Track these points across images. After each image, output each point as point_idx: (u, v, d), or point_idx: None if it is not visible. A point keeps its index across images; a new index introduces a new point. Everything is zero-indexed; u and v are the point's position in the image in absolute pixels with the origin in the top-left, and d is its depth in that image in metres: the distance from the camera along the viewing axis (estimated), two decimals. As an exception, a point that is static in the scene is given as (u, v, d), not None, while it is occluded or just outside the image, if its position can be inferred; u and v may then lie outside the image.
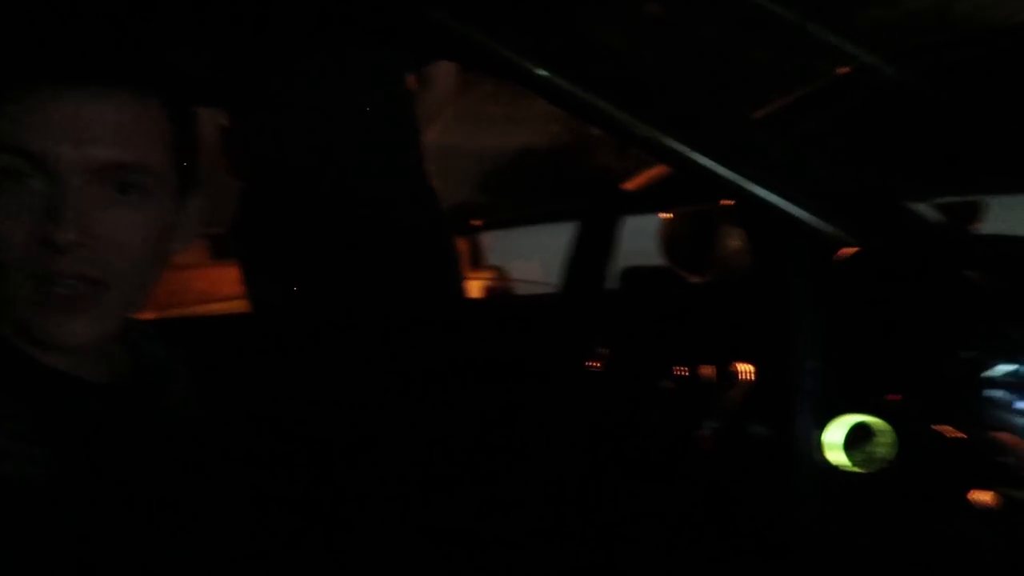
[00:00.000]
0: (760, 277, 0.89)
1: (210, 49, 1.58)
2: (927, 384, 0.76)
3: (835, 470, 0.70)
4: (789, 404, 0.68)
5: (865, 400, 0.72)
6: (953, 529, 0.69)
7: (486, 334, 1.24)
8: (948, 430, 0.72)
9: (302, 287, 1.66)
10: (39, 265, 0.70)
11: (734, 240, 1.07)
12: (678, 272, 1.22)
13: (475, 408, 1.13)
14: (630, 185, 2.49)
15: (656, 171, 2.37)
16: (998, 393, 0.74)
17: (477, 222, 3.02)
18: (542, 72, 0.83)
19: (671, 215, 1.24)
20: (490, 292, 2.87)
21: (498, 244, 2.96)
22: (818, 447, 0.70)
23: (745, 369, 0.85)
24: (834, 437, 0.70)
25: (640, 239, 1.32)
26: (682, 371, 0.93)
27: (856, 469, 0.70)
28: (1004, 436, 0.70)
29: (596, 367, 0.99)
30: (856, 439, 0.70)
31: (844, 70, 2.67)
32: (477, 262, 2.96)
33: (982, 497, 0.68)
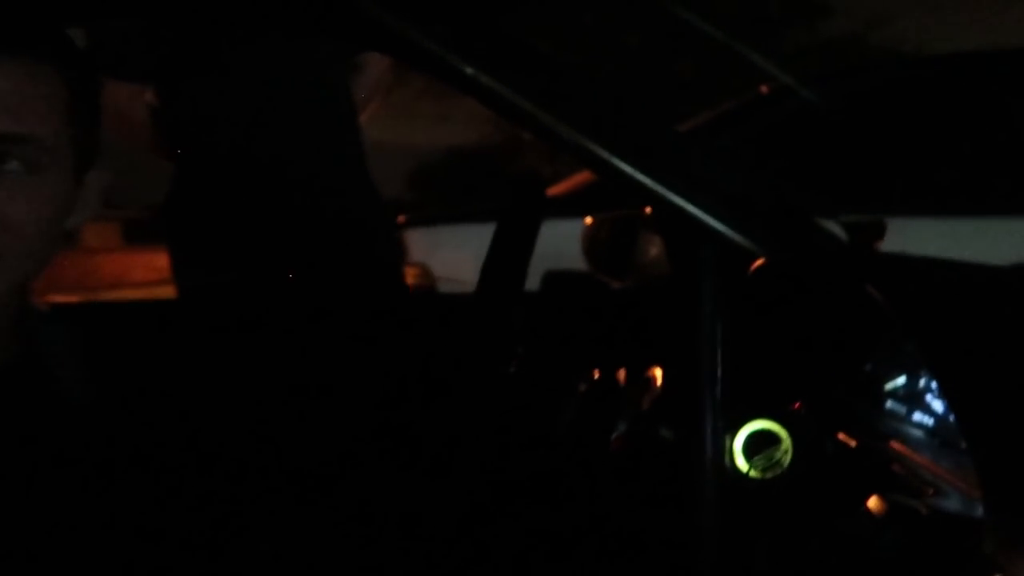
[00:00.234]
0: (675, 284, 0.91)
1: (140, 21, 1.52)
2: (827, 394, 0.79)
3: (740, 474, 0.72)
4: (697, 409, 0.69)
5: (768, 407, 0.74)
6: (846, 533, 0.72)
7: (406, 330, 1.23)
8: (845, 439, 0.75)
9: (232, 274, 1.60)
10: None
11: (654, 247, 1.09)
12: (599, 277, 1.23)
13: (389, 403, 1.12)
14: (557, 189, 2.52)
15: (584, 176, 2.40)
16: (894, 404, 0.78)
17: (401, 218, 3.01)
18: (469, 70, 0.83)
19: (593, 220, 1.26)
20: (412, 289, 2.86)
21: (422, 241, 2.95)
22: (726, 452, 0.71)
23: (657, 373, 0.86)
24: (738, 443, 0.72)
25: (564, 243, 1.34)
26: (597, 374, 0.94)
27: (756, 474, 0.72)
28: (898, 446, 0.74)
29: (511, 367, 0.99)
30: (758, 445, 0.73)
31: (764, 89, 2.76)
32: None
33: (875, 504, 0.71)
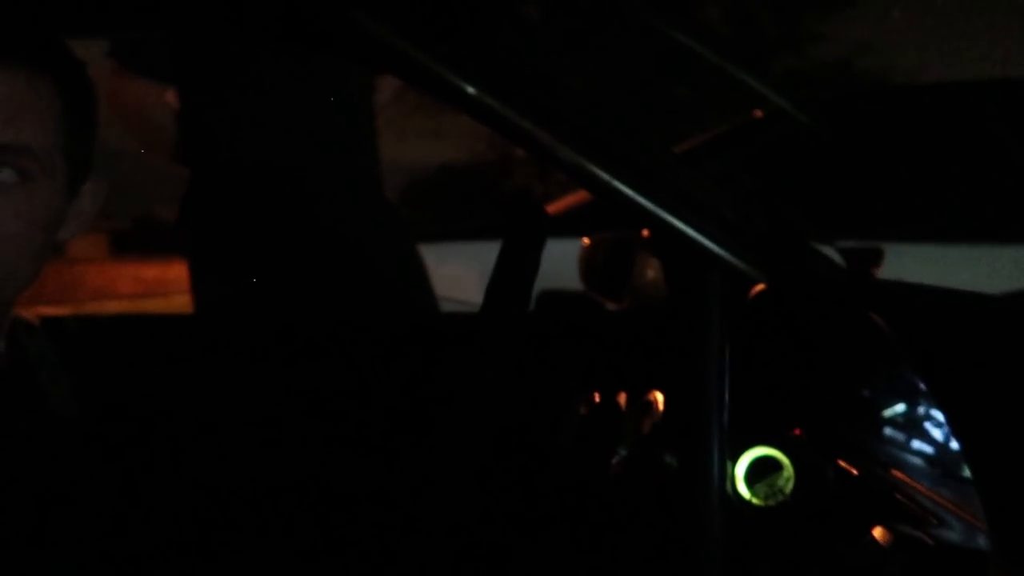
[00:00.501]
0: (674, 307, 0.90)
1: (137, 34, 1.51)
2: (827, 421, 0.78)
3: (741, 501, 0.71)
4: (702, 435, 0.69)
5: (769, 434, 0.73)
6: (849, 563, 0.71)
7: (405, 351, 1.22)
8: (846, 466, 0.74)
9: (251, 287, 1.57)
10: None
11: (651, 269, 1.09)
12: (595, 297, 1.23)
13: (388, 422, 1.11)
14: (552, 208, 2.52)
15: (578, 196, 2.40)
16: (893, 432, 0.77)
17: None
18: (470, 89, 0.83)
19: (590, 241, 1.26)
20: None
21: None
22: (728, 479, 0.71)
23: (658, 397, 0.86)
24: (741, 469, 0.71)
25: (559, 263, 1.33)
26: (596, 397, 0.93)
27: (757, 501, 0.71)
28: (899, 474, 0.73)
29: (510, 388, 0.98)
30: (759, 472, 0.72)
31: (758, 113, 2.78)
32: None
33: (878, 533, 0.70)
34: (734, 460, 0.71)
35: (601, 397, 0.92)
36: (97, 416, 0.82)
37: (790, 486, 0.71)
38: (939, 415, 0.72)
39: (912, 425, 0.76)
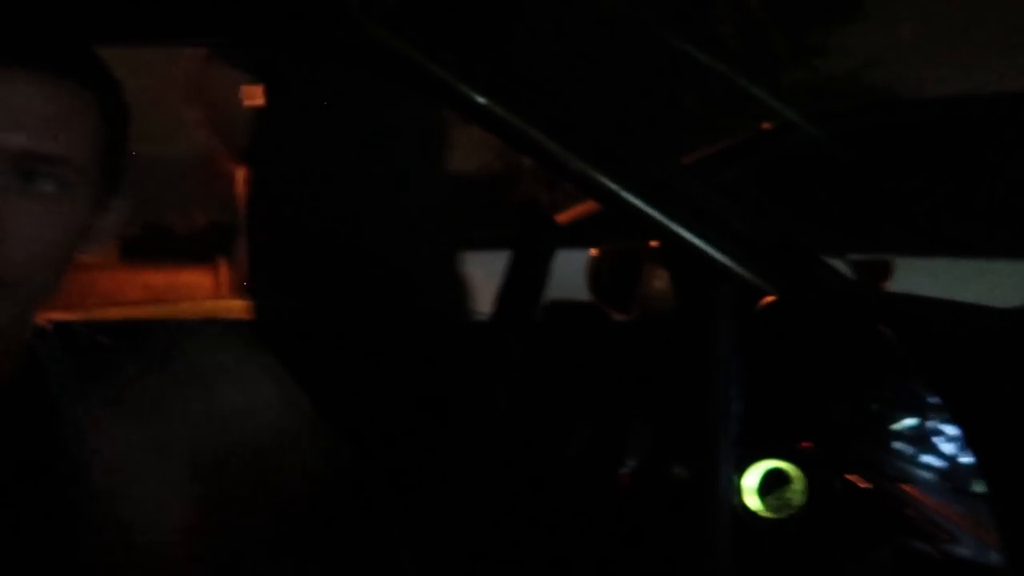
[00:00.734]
0: (682, 318, 0.90)
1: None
2: (837, 434, 0.78)
3: (750, 514, 0.70)
4: (711, 447, 0.68)
5: (779, 446, 0.73)
6: (857, 577, 0.71)
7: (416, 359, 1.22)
8: (856, 480, 0.74)
9: (306, 292, 1.57)
10: None
11: (659, 280, 1.09)
12: (603, 308, 1.23)
13: (399, 434, 1.11)
14: (560, 219, 2.52)
15: (586, 207, 2.41)
16: (902, 446, 0.77)
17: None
18: (480, 99, 0.83)
19: (598, 252, 1.26)
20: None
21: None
22: (736, 491, 0.71)
23: (666, 409, 0.86)
24: (750, 482, 0.71)
25: (567, 274, 1.33)
26: (604, 408, 0.93)
27: (769, 514, 0.71)
28: (910, 489, 0.73)
29: (517, 401, 0.98)
30: (771, 485, 0.72)
31: (766, 125, 2.78)
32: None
33: (888, 548, 0.70)
34: (744, 472, 0.71)
35: (609, 409, 0.92)
36: (109, 420, 0.82)
37: (800, 499, 0.71)
38: (949, 429, 0.71)
39: (922, 439, 0.75)
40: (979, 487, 0.67)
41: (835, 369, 0.82)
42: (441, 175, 1.72)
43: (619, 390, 0.95)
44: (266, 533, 0.97)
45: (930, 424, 0.75)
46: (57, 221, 0.70)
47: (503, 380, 0.93)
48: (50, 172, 0.69)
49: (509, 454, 0.97)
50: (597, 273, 1.26)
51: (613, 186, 0.84)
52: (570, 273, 1.31)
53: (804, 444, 0.76)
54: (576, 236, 1.40)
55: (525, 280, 0.90)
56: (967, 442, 0.69)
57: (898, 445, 0.76)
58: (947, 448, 0.73)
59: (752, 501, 0.71)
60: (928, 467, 0.74)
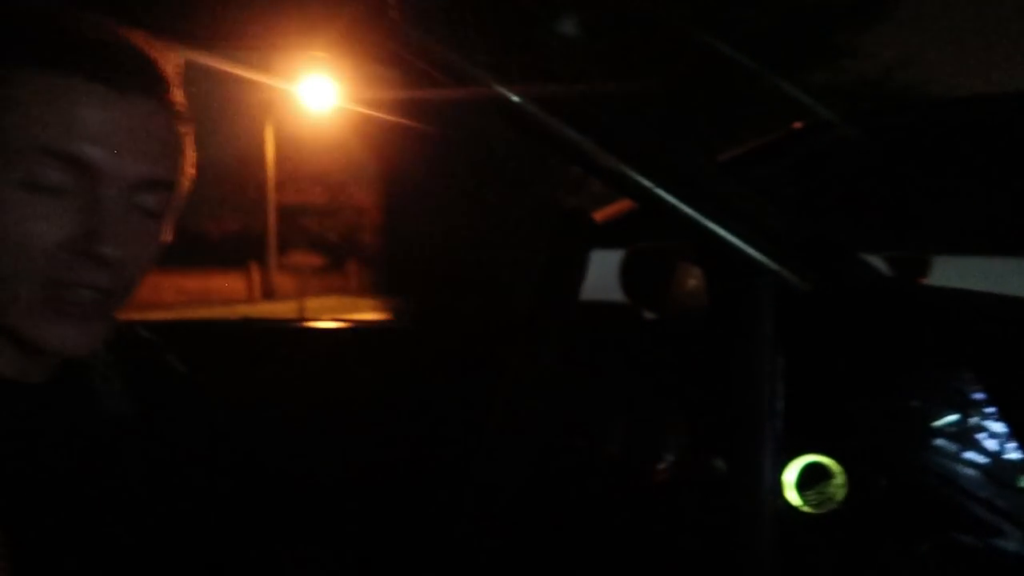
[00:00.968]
0: (717, 316, 0.90)
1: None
2: (880, 429, 0.77)
3: (791, 509, 0.70)
4: (752, 442, 0.68)
5: (820, 441, 0.73)
6: (898, 573, 0.70)
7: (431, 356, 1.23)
8: (898, 475, 0.73)
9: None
10: (66, 274, 0.68)
11: (693, 278, 1.09)
12: (637, 307, 1.23)
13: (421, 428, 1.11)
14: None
15: (618, 207, 2.40)
16: (944, 442, 0.76)
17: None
18: (515, 98, 0.84)
19: (632, 250, 1.26)
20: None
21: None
22: (776, 486, 0.70)
23: (703, 405, 0.85)
24: (790, 477, 0.71)
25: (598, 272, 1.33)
26: (641, 405, 0.93)
27: (808, 509, 0.70)
28: (952, 483, 0.72)
29: (556, 401, 0.98)
30: (810, 480, 0.71)
31: (798, 125, 2.76)
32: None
33: (931, 542, 0.69)
34: (784, 467, 0.70)
35: (646, 405, 0.92)
36: (148, 416, 0.84)
37: (841, 494, 0.70)
38: (993, 425, 0.71)
39: (965, 435, 0.75)
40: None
41: (876, 365, 0.81)
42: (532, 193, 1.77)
43: (655, 388, 0.95)
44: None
45: (973, 420, 0.74)
46: (156, 241, 0.75)
47: (539, 380, 0.93)
48: (159, 196, 0.73)
49: (547, 452, 0.97)
50: (630, 272, 1.26)
51: (646, 183, 0.85)
52: (603, 273, 1.31)
53: (845, 439, 0.75)
54: (610, 236, 1.41)
55: (561, 279, 0.90)
56: (1015, 437, 0.68)
57: (940, 441, 0.76)
58: (991, 444, 0.72)
59: (792, 496, 0.70)
60: (971, 463, 0.73)
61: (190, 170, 0.78)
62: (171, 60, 0.74)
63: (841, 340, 0.83)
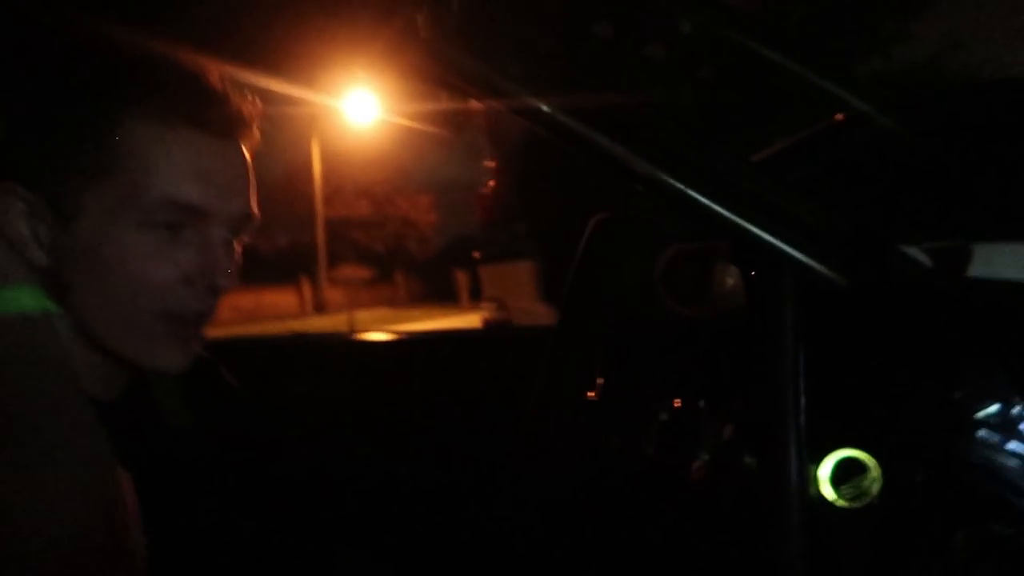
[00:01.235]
0: (754, 314, 0.90)
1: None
2: (916, 422, 0.77)
3: (826, 504, 0.70)
4: (780, 438, 0.69)
5: (856, 436, 0.73)
6: (937, 565, 0.70)
7: (486, 364, 1.25)
8: (936, 468, 0.73)
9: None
10: (183, 305, 0.74)
11: (731, 278, 1.09)
12: (675, 307, 1.23)
13: (470, 436, 1.13)
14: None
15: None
16: (987, 433, 0.75)
17: (477, 254, 3.04)
18: (545, 107, 0.85)
19: (670, 251, 1.26)
20: (489, 323, 2.88)
21: (499, 276, 2.97)
22: (811, 481, 0.71)
23: (738, 403, 0.86)
24: (825, 471, 0.71)
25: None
26: (677, 404, 0.94)
27: (844, 503, 0.70)
28: (992, 476, 0.71)
29: (592, 398, 0.99)
30: (845, 474, 0.71)
31: (839, 116, 2.71)
32: (478, 294, 2.98)
33: (969, 535, 0.69)
34: (819, 462, 0.71)
35: (682, 404, 0.92)
36: (210, 430, 0.88)
37: (876, 488, 0.70)
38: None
39: (1006, 426, 0.74)
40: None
41: (916, 359, 0.81)
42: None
43: (691, 385, 0.95)
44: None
45: (1015, 410, 0.73)
46: (239, 264, 0.80)
47: (580, 379, 0.94)
48: (250, 227, 0.80)
49: (586, 451, 0.98)
50: (669, 273, 1.26)
51: (679, 186, 0.85)
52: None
53: (882, 433, 0.75)
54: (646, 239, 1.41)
55: (597, 286, 0.92)
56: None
57: (982, 433, 0.75)
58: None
59: (827, 490, 0.70)
60: (1014, 454, 0.73)
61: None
62: (251, 102, 0.79)
63: (880, 335, 0.82)
